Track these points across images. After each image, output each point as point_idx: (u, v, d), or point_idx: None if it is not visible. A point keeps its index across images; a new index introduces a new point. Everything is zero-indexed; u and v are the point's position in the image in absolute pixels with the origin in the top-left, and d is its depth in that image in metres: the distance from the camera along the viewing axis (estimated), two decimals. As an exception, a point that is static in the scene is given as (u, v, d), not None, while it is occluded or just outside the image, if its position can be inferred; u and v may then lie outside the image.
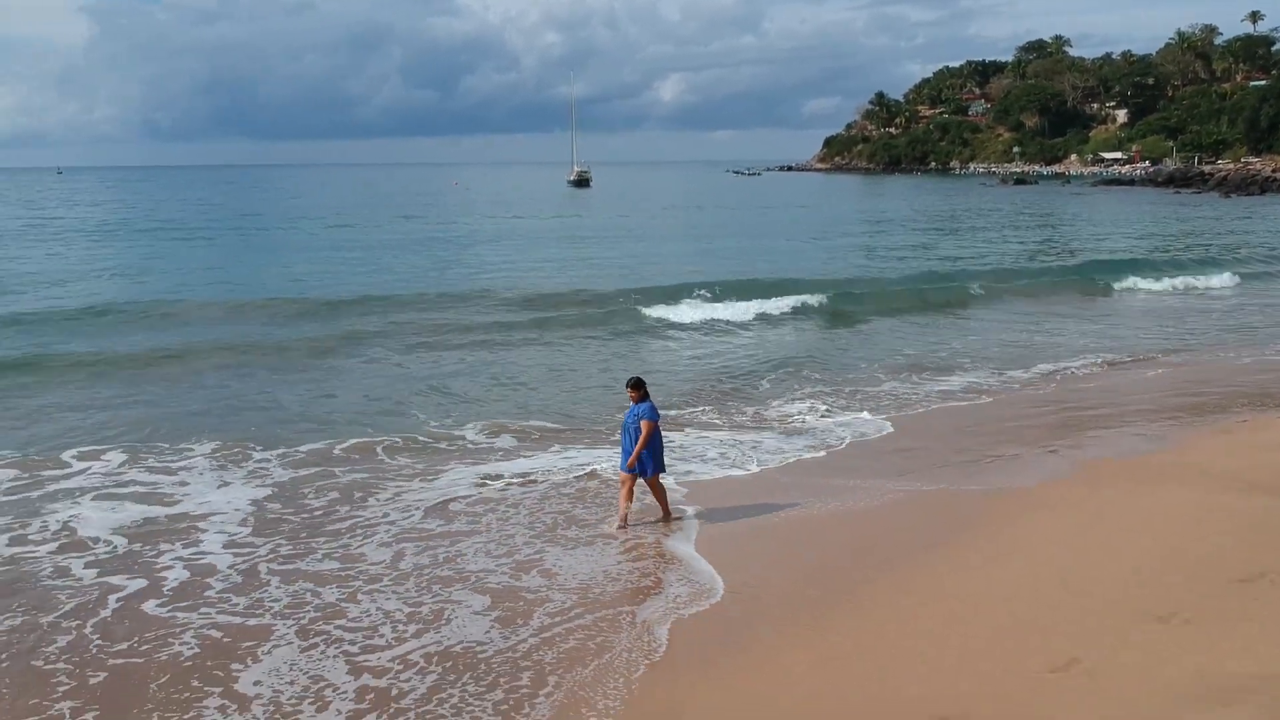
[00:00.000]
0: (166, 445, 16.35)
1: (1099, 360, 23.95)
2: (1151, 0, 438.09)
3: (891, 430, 17.77)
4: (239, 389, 20.58)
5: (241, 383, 21.16)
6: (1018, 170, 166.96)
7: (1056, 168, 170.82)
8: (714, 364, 24.10)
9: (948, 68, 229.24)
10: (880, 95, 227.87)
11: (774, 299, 32.47)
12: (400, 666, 9.27)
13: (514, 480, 14.78)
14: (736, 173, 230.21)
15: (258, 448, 16.25)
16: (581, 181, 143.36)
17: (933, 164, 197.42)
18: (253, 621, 10.21)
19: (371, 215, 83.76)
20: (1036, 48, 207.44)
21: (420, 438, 16.99)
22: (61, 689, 8.88)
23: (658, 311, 30.44)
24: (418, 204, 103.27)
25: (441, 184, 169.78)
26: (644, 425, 12.49)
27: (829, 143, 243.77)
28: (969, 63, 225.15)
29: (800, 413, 19.03)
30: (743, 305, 31.50)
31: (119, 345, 24.63)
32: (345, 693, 8.83)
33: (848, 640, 9.76)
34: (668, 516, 13.08)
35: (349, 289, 35.40)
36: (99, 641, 9.78)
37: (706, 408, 19.40)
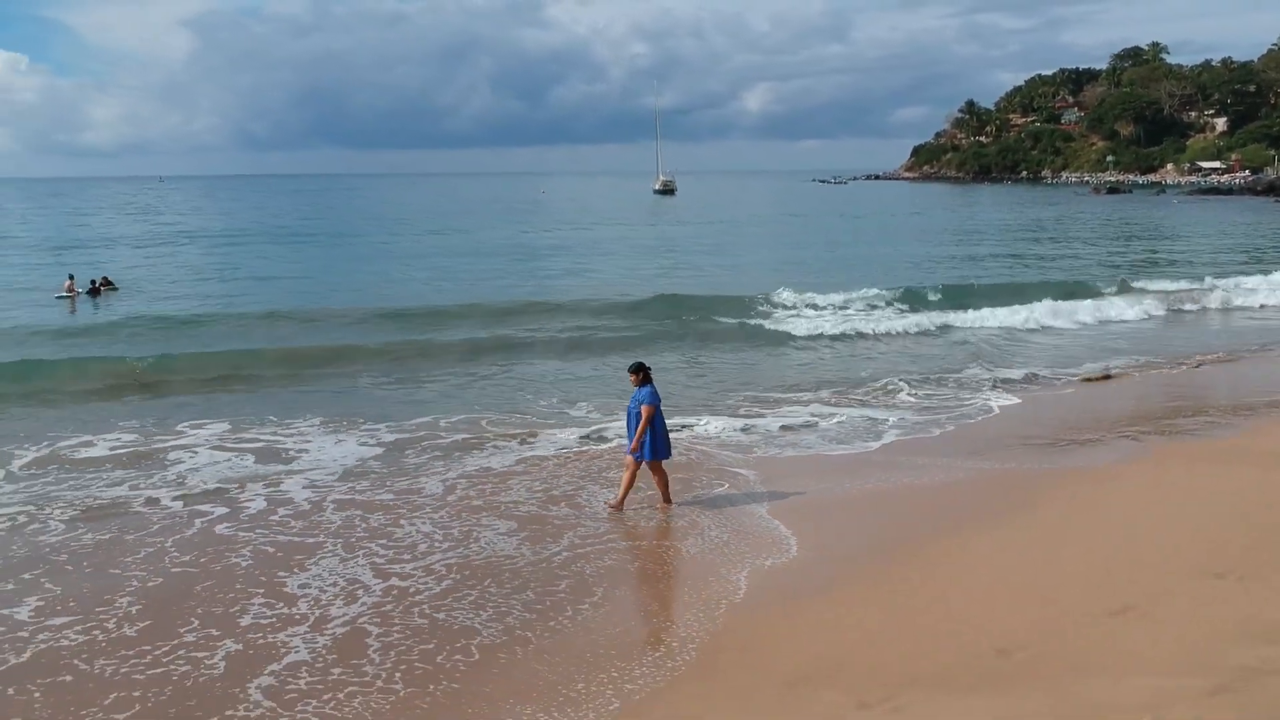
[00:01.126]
0: (307, 422, 17.83)
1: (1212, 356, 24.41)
2: (1254, 5, 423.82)
3: (992, 415, 18.56)
4: (394, 383, 21.80)
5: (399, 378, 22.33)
6: (1111, 179, 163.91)
7: (1152, 176, 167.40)
8: (830, 360, 24.85)
9: (1040, 76, 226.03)
10: (970, 103, 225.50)
11: (882, 304, 33.13)
12: (423, 573, 10.91)
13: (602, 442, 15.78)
14: (822, 181, 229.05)
15: (383, 423, 17.62)
16: (666, 190, 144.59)
17: (1024, 173, 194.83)
18: (308, 540, 11.96)
19: (470, 222, 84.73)
20: (1132, 55, 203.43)
21: (544, 419, 18.13)
22: (127, 588, 10.55)
23: (776, 313, 30.89)
24: (511, 211, 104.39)
25: (528, 192, 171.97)
26: (644, 410, 12.70)
27: (917, 151, 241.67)
28: (1062, 70, 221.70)
29: (887, 398, 19.89)
30: (853, 308, 32.23)
31: (309, 340, 26.32)
32: (373, 590, 10.48)
33: (914, 588, 10.46)
34: (667, 501, 13.21)
35: (473, 295, 35.54)
36: (172, 554, 11.55)
37: (810, 394, 20.15)
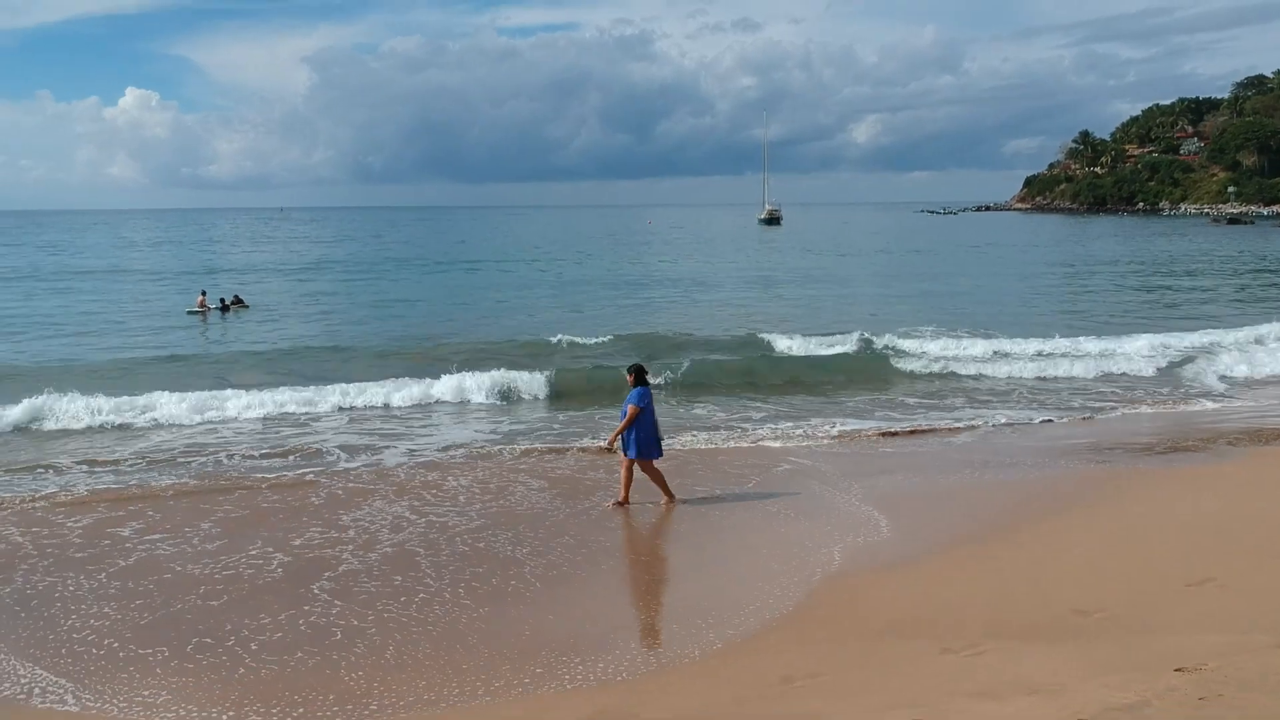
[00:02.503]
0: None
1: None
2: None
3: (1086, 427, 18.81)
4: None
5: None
6: (1233, 210, 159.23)
7: (1276, 208, 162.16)
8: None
9: (1158, 105, 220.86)
10: (1085, 134, 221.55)
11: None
12: (460, 516, 13.06)
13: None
14: (931, 212, 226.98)
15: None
16: (772, 219, 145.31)
17: (1140, 204, 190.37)
18: (370, 487, 14.61)
19: (591, 252, 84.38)
20: (1256, 83, 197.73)
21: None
22: (211, 518, 13.16)
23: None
24: (625, 242, 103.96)
25: (636, 223, 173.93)
26: (629, 409, 13.17)
27: (1029, 182, 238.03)
28: (1181, 100, 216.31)
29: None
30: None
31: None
32: (415, 524, 12.79)
33: (1001, 563, 11.07)
34: (669, 498, 13.51)
35: (611, 327, 32.86)
36: (264, 492, 14.47)
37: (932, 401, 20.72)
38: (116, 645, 9.38)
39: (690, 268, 62.85)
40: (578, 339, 28.96)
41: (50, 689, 8.46)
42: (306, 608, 10.13)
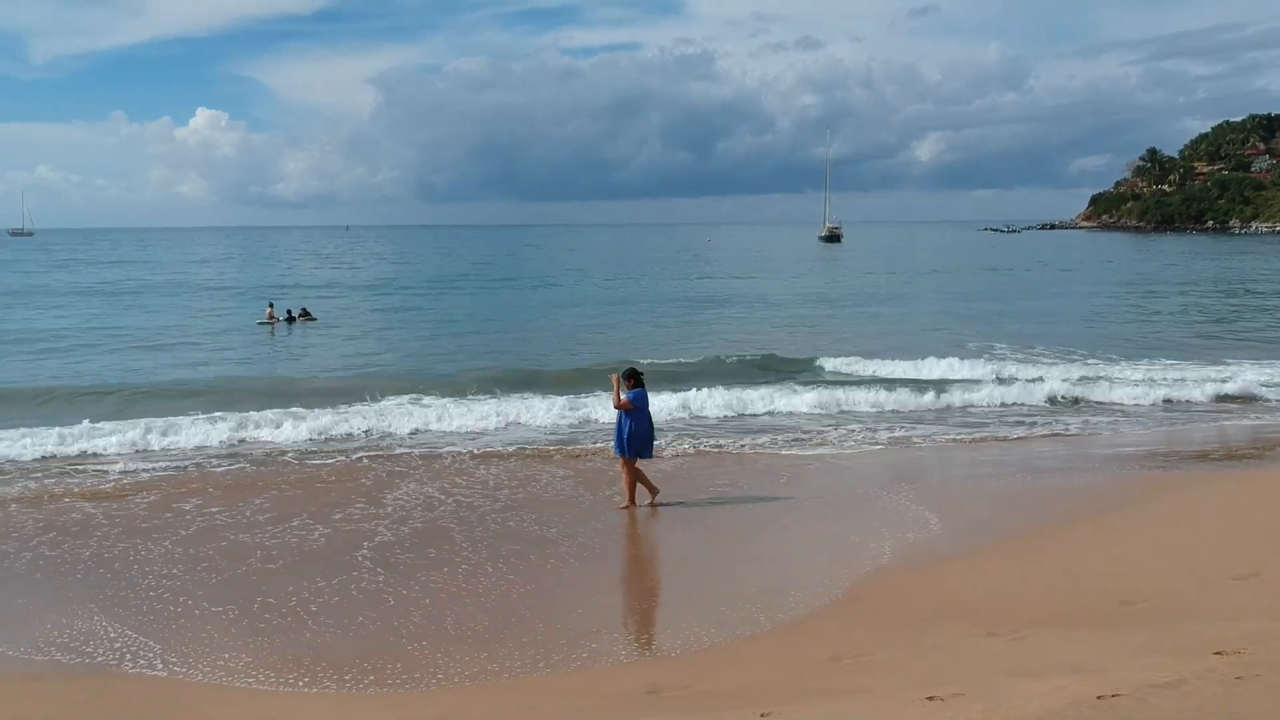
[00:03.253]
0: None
1: None
2: None
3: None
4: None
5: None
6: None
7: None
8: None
9: (1228, 122, 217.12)
10: (1153, 151, 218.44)
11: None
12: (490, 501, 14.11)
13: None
14: (994, 230, 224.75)
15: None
16: (832, 237, 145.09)
17: (1210, 223, 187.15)
18: (409, 471, 16.08)
19: (655, 270, 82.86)
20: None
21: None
22: (265, 494, 14.68)
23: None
24: (686, 260, 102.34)
25: (696, 241, 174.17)
26: (623, 400, 13.67)
27: (1095, 200, 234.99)
28: (1252, 116, 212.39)
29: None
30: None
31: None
32: (445, 504, 13.96)
33: (1050, 555, 11.30)
34: (652, 493, 13.86)
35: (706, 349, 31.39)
36: (319, 476, 16.00)
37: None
38: (191, 603, 10.20)
39: (756, 285, 62.67)
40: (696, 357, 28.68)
41: (140, 652, 9.03)
42: (355, 573, 11.08)
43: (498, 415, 19.83)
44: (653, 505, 13.76)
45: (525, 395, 21.71)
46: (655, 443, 14.27)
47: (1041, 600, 9.85)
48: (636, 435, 13.63)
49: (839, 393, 21.90)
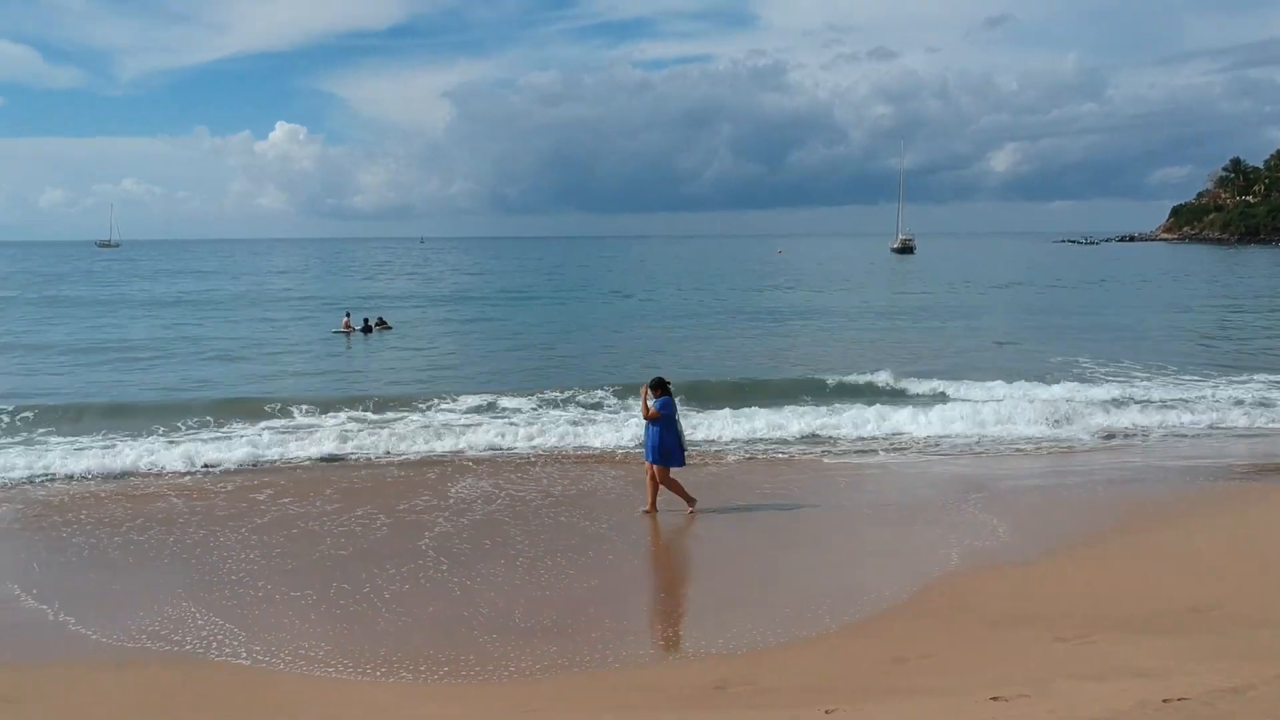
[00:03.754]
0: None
1: None
2: None
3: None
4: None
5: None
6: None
7: None
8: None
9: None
10: (1237, 161, 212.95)
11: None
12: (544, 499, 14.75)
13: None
14: (1070, 242, 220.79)
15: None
16: (905, 249, 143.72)
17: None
18: (471, 466, 16.97)
19: (724, 281, 79.82)
20: None
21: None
22: (335, 486, 15.63)
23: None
24: (758, 272, 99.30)
25: (767, 253, 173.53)
26: (652, 412, 13.80)
27: (1176, 212, 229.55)
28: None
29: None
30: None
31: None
32: (500, 499, 14.71)
33: (1119, 562, 11.29)
34: (689, 502, 13.88)
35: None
36: (390, 469, 17.13)
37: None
38: (270, 588, 10.80)
39: (831, 299, 61.40)
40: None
41: (226, 640, 9.42)
42: (420, 562, 11.77)
43: (573, 428, 19.70)
44: (691, 514, 13.81)
45: (590, 411, 21.75)
46: (686, 451, 14.36)
47: (1109, 606, 9.84)
48: (665, 443, 13.79)
49: (930, 414, 20.55)
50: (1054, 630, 9.14)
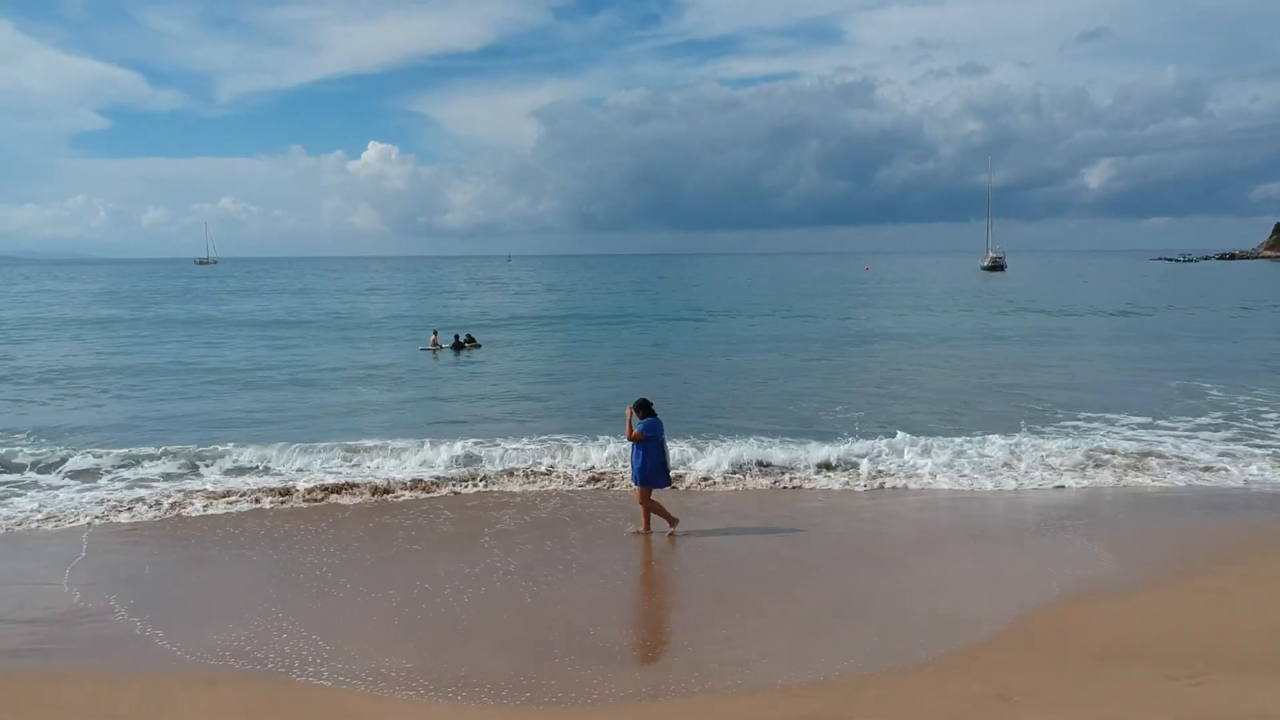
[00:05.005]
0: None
1: None
2: None
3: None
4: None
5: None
6: None
7: None
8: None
9: None
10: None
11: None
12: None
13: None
14: (1168, 260, 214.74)
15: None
16: (995, 266, 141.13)
17: None
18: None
19: (821, 302, 75.43)
20: None
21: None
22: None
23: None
24: (851, 291, 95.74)
25: (855, 270, 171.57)
26: (635, 433, 13.77)
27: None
28: None
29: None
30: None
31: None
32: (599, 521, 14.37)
33: (1229, 594, 10.70)
34: (671, 523, 13.84)
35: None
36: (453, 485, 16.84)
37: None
38: (351, 588, 11.17)
39: (930, 321, 60.07)
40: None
41: (309, 657, 9.39)
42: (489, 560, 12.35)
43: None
44: (671, 535, 13.70)
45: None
46: (671, 471, 14.39)
47: (1222, 641, 9.29)
48: (649, 465, 13.74)
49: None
50: (1165, 668, 8.64)
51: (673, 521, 13.88)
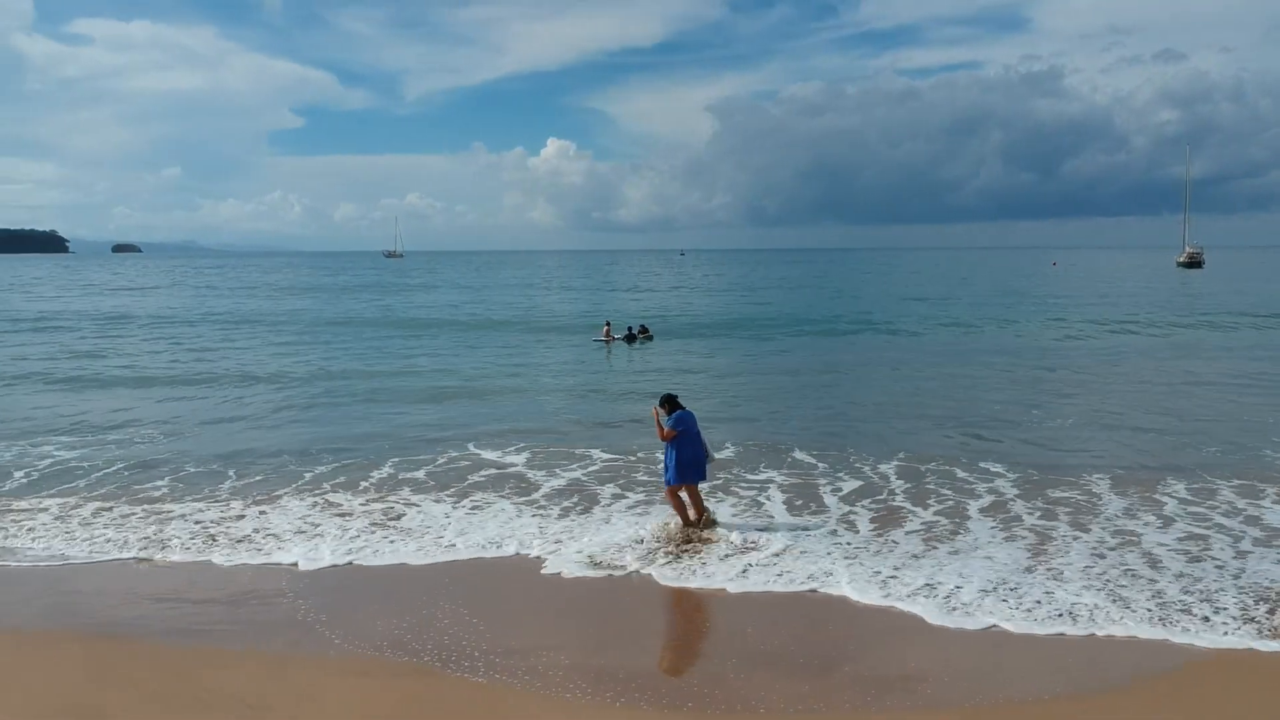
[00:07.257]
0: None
1: None
2: None
3: None
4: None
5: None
6: None
7: None
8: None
9: None
10: None
11: None
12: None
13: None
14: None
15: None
16: (1192, 263, 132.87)
17: None
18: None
19: (1027, 304, 64.73)
20: None
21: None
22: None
23: None
24: (1052, 290, 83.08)
25: (1041, 266, 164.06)
26: (667, 431, 13.10)
27: None
28: None
29: None
30: None
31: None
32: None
33: None
34: (696, 521, 13.16)
35: None
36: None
37: None
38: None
39: (1146, 336, 47.63)
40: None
41: (465, 651, 9.19)
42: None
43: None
44: (701, 526, 13.14)
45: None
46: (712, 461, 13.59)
47: None
48: (684, 460, 13.11)
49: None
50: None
51: (701, 513, 13.27)
